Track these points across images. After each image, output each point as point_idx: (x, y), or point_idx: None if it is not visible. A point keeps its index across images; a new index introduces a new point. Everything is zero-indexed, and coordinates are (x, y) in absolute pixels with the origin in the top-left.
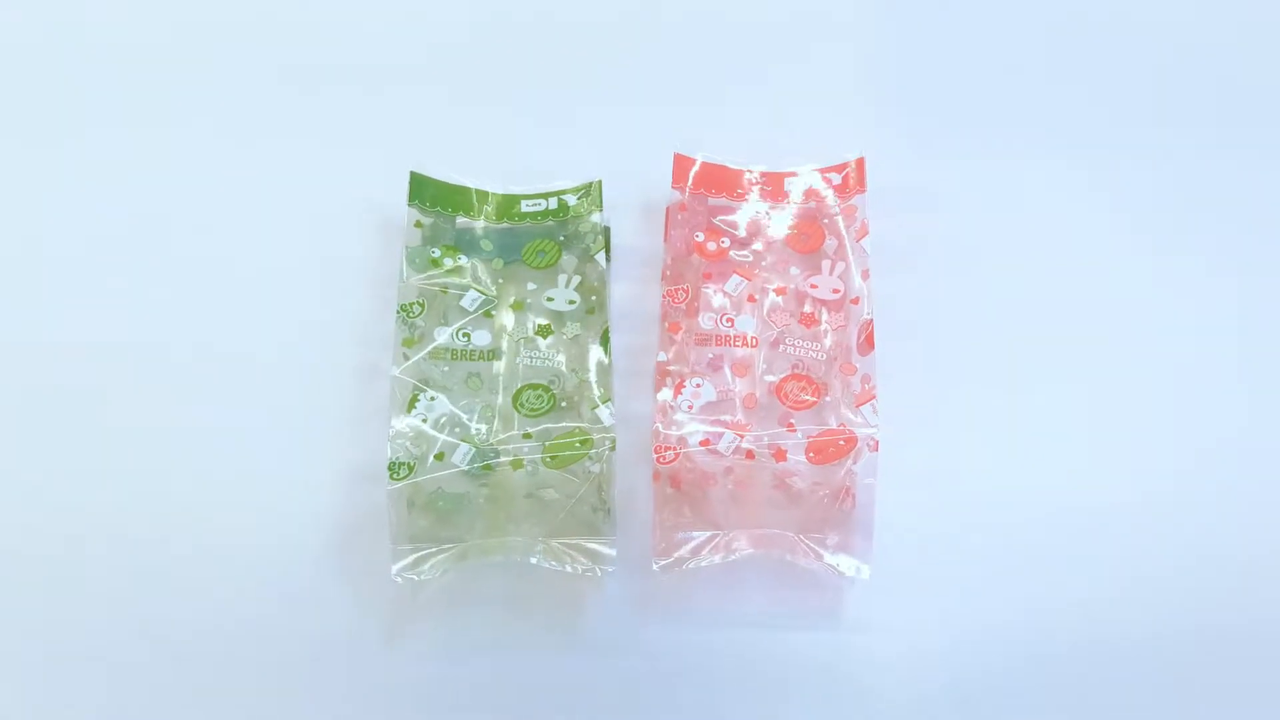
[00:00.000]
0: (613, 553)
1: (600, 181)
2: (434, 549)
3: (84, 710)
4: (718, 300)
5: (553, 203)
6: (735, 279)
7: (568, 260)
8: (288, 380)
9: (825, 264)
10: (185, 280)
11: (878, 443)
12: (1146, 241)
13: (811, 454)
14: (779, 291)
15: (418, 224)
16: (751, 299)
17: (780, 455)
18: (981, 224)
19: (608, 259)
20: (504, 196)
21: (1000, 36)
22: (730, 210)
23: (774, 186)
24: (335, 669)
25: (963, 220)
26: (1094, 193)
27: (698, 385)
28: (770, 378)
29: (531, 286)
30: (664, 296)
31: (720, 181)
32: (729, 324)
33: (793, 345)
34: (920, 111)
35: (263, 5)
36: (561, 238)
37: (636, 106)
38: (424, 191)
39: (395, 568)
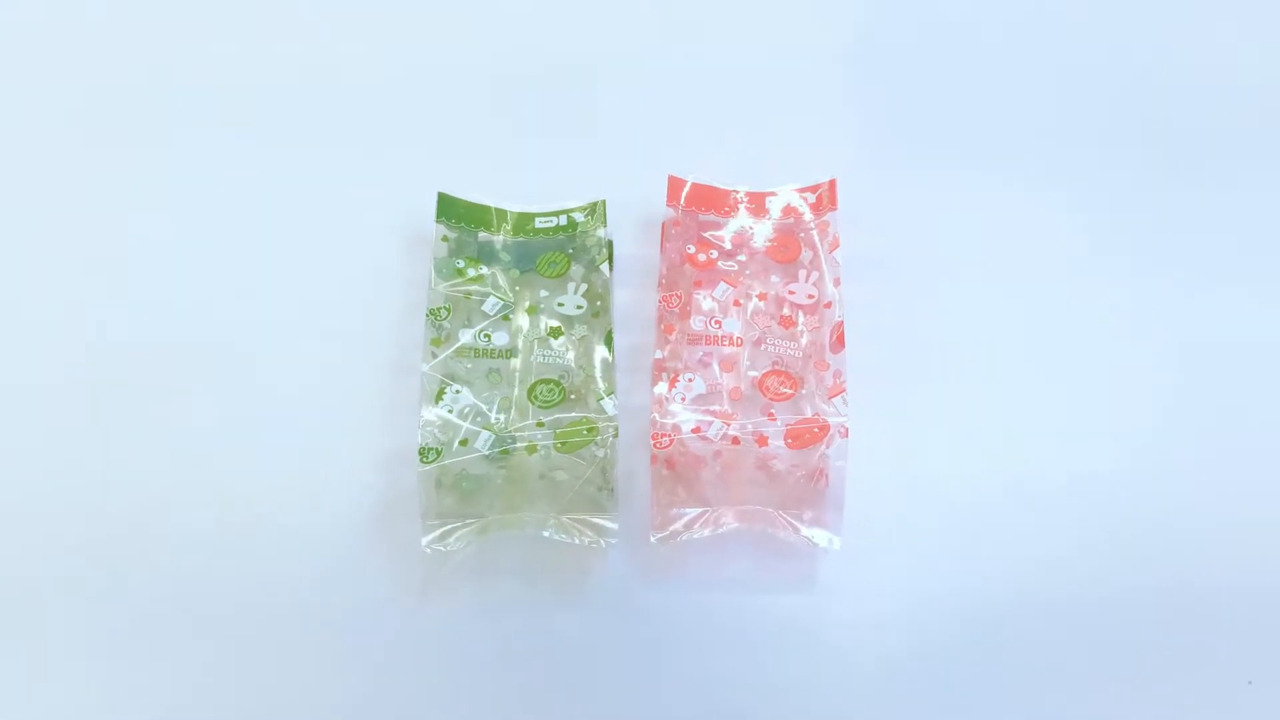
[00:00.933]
0: (615, 526)
1: (604, 201)
2: (459, 524)
3: (158, 664)
4: (707, 304)
5: (563, 219)
6: (722, 286)
7: (576, 270)
8: (331, 375)
9: (801, 273)
10: (242, 287)
11: (847, 430)
12: (1088, 245)
13: (789, 440)
14: (761, 297)
15: (444, 238)
16: (737, 303)
17: (762, 441)
18: (939, 240)
19: (611, 269)
20: (520, 214)
21: (966, 68)
22: (718, 225)
23: (756, 204)
24: (374, 627)
25: (924, 235)
26: (1044, 204)
27: (690, 379)
28: (753, 373)
29: (544, 293)
30: (660, 302)
31: (709, 200)
32: (717, 325)
33: (773, 344)
34: (889, 140)
35: (317, 37)
36: (570, 250)
37: (637, 135)
38: (450, 210)
39: (425, 540)
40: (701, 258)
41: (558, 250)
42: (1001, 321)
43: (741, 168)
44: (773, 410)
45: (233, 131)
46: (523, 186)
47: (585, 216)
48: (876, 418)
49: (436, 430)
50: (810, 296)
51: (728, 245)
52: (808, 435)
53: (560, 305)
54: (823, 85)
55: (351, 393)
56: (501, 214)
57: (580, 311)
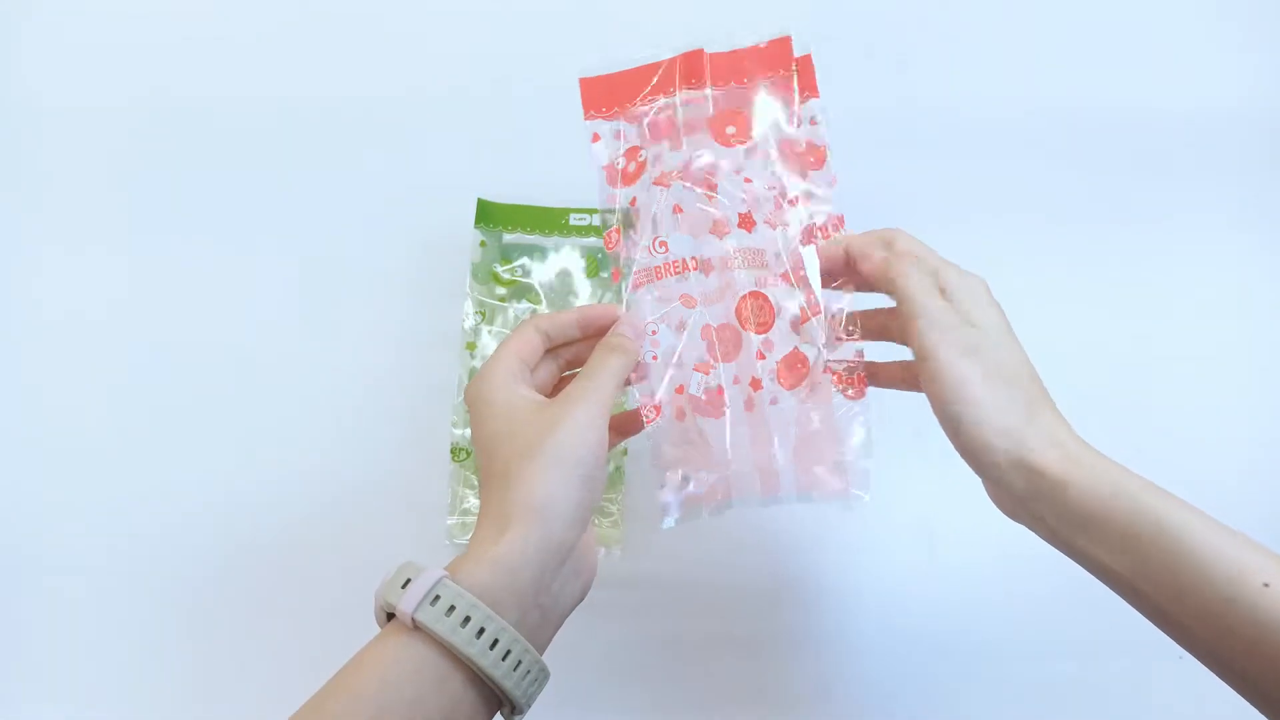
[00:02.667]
0: (621, 538)
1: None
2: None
3: (193, 647)
4: (645, 226)
5: (597, 219)
6: (657, 191)
7: (603, 277)
8: (368, 377)
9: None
10: (284, 292)
11: (863, 354)
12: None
13: (782, 379)
14: (708, 183)
15: (482, 244)
16: (678, 209)
17: (756, 384)
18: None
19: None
20: (555, 210)
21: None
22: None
23: (693, 73)
24: None
25: None
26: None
27: (653, 333)
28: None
29: (571, 299)
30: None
31: (630, 87)
32: (662, 249)
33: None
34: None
35: (351, 44)
36: (600, 255)
37: None
38: (488, 215)
39: (449, 522)
40: (631, 167)
41: (588, 253)
42: None
43: None
44: (762, 350)
45: (267, 141)
46: (555, 190)
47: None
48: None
49: (468, 432)
50: (771, 187)
51: (647, 135)
52: (800, 365)
53: None
54: None
55: (387, 393)
56: (536, 212)
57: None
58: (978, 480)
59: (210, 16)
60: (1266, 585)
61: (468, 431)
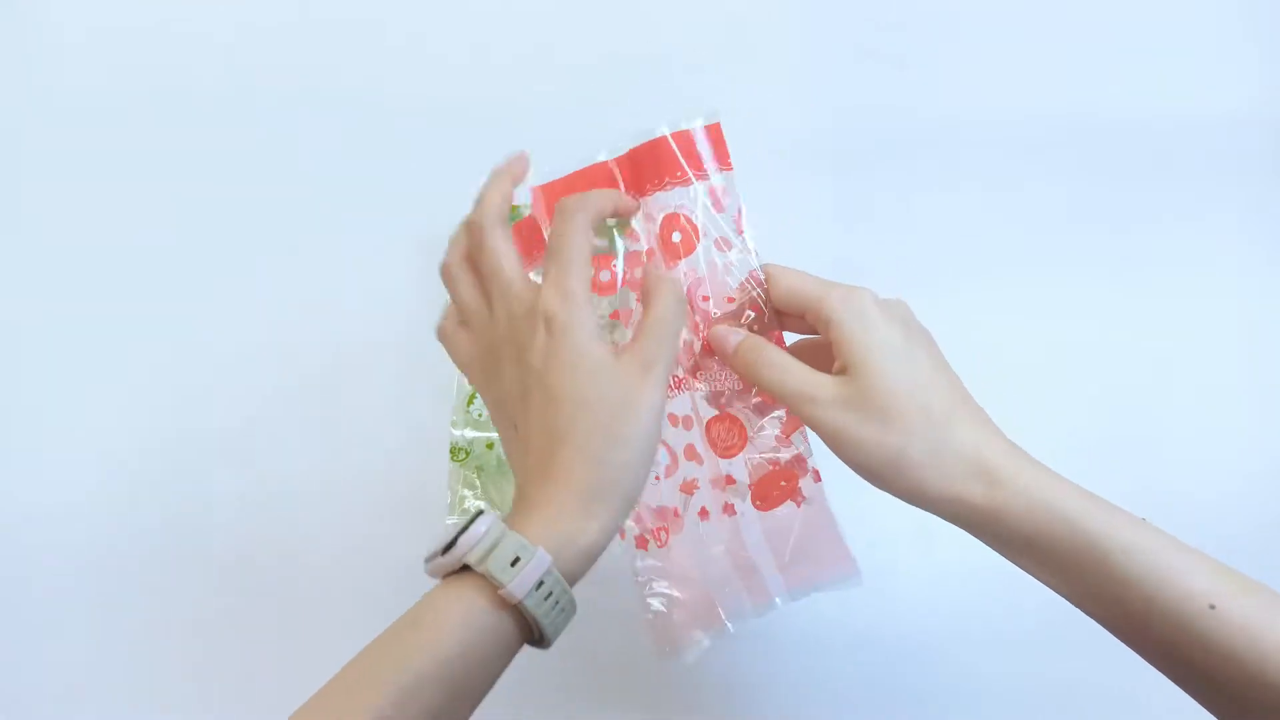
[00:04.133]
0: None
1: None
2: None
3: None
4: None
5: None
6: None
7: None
8: (369, 376)
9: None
10: (288, 293)
11: (818, 472)
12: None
13: (758, 501)
14: None
15: None
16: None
17: (729, 510)
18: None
19: None
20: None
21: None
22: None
23: (631, 178)
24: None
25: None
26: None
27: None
28: (703, 412)
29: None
30: None
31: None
32: None
33: (704, 373)
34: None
35: (355, 49)
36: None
37: None
38: None
39: (449, 522)
40: (604, 276)
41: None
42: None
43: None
44: (731, 474)
45: (268, 139)
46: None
47: (616, 223)
48: None
49: (467, 432)
50: (730, 300)
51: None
52: (775, 492)
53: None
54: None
55: (387, 393)
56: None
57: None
58: None
59: (212, 16)
60: (1212, 608)
61: (467, 432)
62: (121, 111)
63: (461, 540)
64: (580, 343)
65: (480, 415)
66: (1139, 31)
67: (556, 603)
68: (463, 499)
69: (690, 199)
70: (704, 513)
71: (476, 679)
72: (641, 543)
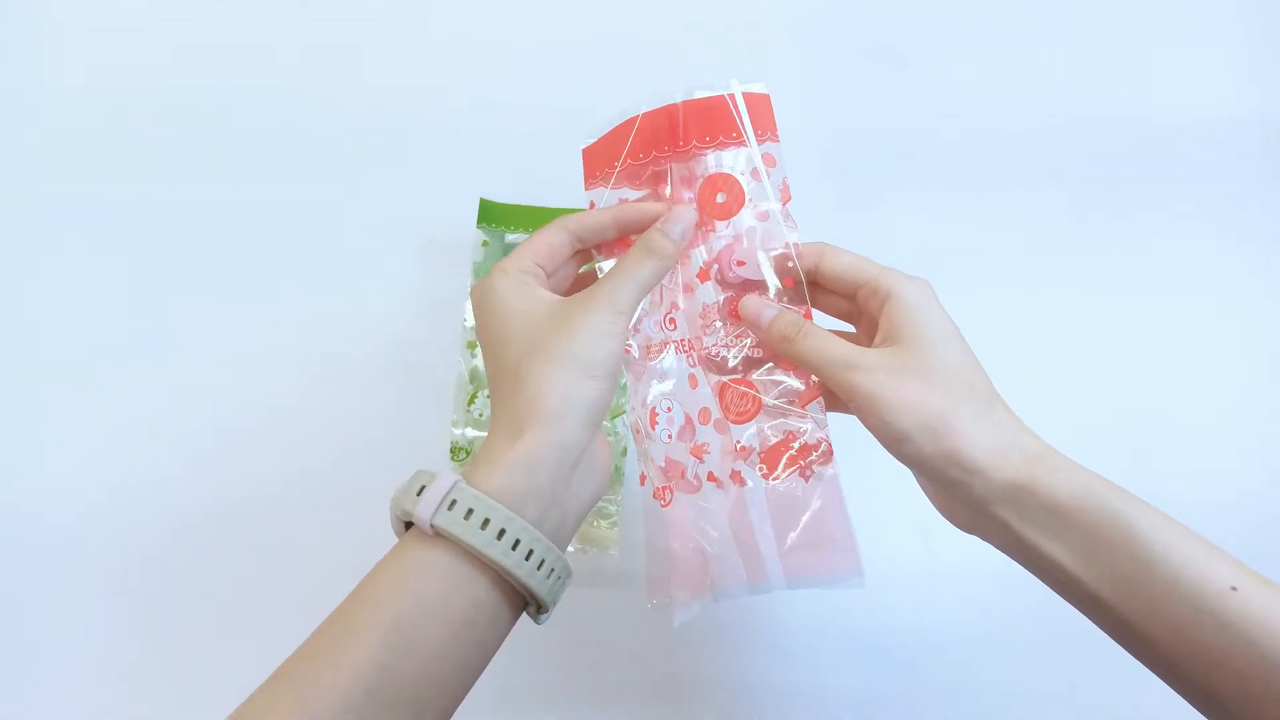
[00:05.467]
0: (618, 539)
1: None
2: None
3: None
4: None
5: None
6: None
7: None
8: (369, 376)
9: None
10: (289, 291)
11: (831, 450)
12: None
13: (764, 467)
14: (701, 275)
15: (484, 243)
16: (688, 288)
17: (737, 478)
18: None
19: None
20: (558, 210)
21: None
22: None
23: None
24: None
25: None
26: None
27: (669, 409)
28: (716, 377)
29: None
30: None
31: (612, 154)
32: (671, 326)
33: (727, 340)
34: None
35: (363, 53)
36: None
37: None
38: (490, 215)
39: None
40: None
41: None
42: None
43: None
44: (742, 442)
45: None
46: (560, 192)
47: None
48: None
49: (466, 431)
50: (762, 267)
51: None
52: (785, 460)
53: None
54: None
55: (387, 390)
56: (540, 212)
57: None
58: None
59: (215, 16)
60: (1234, 589)
61: (468, 431)
62: (122, 112)
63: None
64: (504, 297)
65: (480, 415)
66: (1139, 33)
67: (484, 520)
68: None
69: (742, 162)
70: (711, 477)
71: (431, 627)
72: (659, 494)
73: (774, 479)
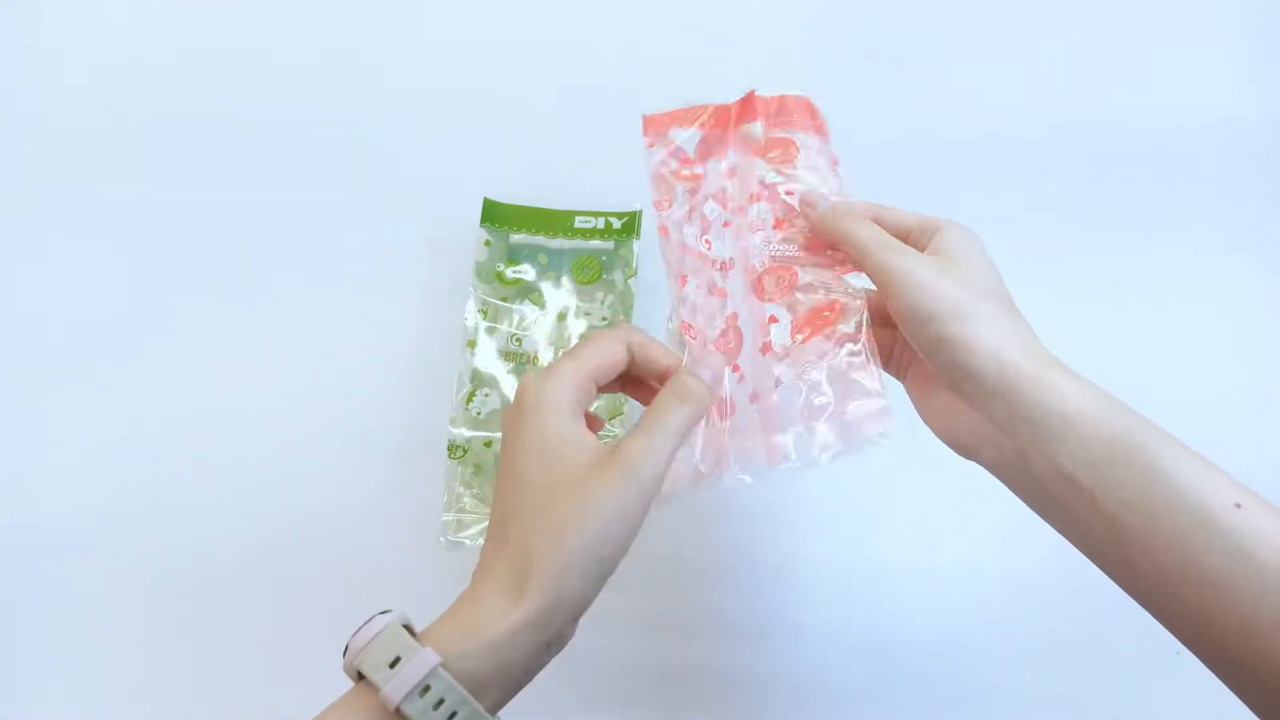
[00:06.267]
0: None
1: (640, 211)
2: (473, 517)
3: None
4: (692, 225)
5: (600, 222)
6: (711, 204)
7: (606, 279)
8: (368, 374)
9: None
10: (290, 288)
11: (862, 325)
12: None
13: (797, 335)
14: (752, 200)
15: (486, 243)
16: (727, 224)
17: (767, 348)
18: None
19: (635, 276)
20: (562, 212)
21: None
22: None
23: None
24: (402, 591)
25: None
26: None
27: (710, 317)
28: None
29: (576, 302)
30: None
31: (685, 119)
32: (707, 246)
33: (768, 248)
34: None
35: (367, 54)
36: (604, 258)
37: None
38: (494, 214)
39: (444, 519)
40: (685, 171)
41: (592, 256)
42: None
43: None
44: (773, 314)
45: (274, 134)
46: (562, 194)
47: (621, 223)
48: None
49: (465, 429)
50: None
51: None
52: (818, 322)
53: (588, 314)
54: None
55: (386, 389)
56: (543, 214)
57: (604, 324)
58: (977, 480)
59: (215, 15)
60: (1238, 506)
61: (465, 430)
62: (122, 112)
63: (354, 638)
64: (542, 422)
65: (479, 414)
66: (1139, 33)
67: (453, 713)
68: (459, 497)
69: (812, 147)
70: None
71: None
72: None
73: (803, 342)
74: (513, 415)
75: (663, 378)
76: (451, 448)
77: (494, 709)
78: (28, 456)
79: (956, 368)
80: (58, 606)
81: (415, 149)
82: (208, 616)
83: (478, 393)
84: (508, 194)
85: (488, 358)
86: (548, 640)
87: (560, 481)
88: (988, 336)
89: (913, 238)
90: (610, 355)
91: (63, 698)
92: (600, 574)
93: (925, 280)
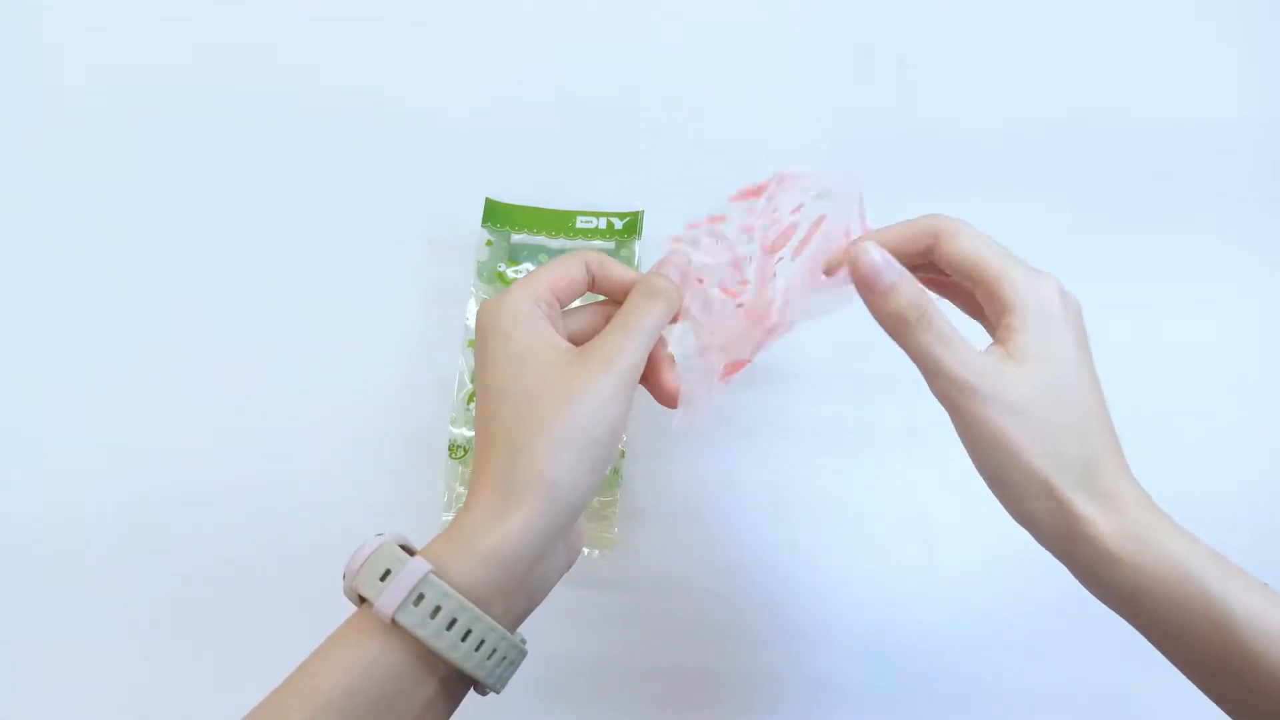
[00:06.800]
0: (614, 540)
1: (642, 212)
2: None
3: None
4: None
5: (602, 222)
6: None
7: None
8: (368, 375)
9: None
10: (290, 287)
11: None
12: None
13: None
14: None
15: (488, 243)
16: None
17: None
18: None
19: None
20: (562, 213)
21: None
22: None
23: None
24: None
25: None
26: None
27: (700, 281)
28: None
29: (576, 301)
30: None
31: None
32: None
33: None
34: None
35: (365, 55)
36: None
37: (674, 151)
38: (495, 214)
39: (444, 518)
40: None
41: None
42: None
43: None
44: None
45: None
46: (563, 196)
47: (623, 224)
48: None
49: (465, 429)
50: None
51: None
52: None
53: None
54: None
55: (387, 388)
56: (544, 214)
57: None
58: (977, 479)
59: (215, 15)
60: None
61: (466, 430)
62: (122, 112)
63: (349, 562)
64: (508, 330)
65: None
66: (1139, 33)
67: (452, 620)
68: (460, 497)
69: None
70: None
71: (367, 714)
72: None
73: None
74: (479, 340)
75: (628, 292)
76: (452, 448)
77: (507, 620)
78: (28, 456)
79: (1040, 538)
80: (58, 606)
81: (416, 149)
82: (208, 616)
83: (477, 395)
84: (509, 194)
85: None
86: (552, 537)
87: (536, 381)
88: (1073, 523)
89: (980, 295)
90: (566, 270)
91: (63, 697)
92: (594, 455)
93: (1007, 444)
